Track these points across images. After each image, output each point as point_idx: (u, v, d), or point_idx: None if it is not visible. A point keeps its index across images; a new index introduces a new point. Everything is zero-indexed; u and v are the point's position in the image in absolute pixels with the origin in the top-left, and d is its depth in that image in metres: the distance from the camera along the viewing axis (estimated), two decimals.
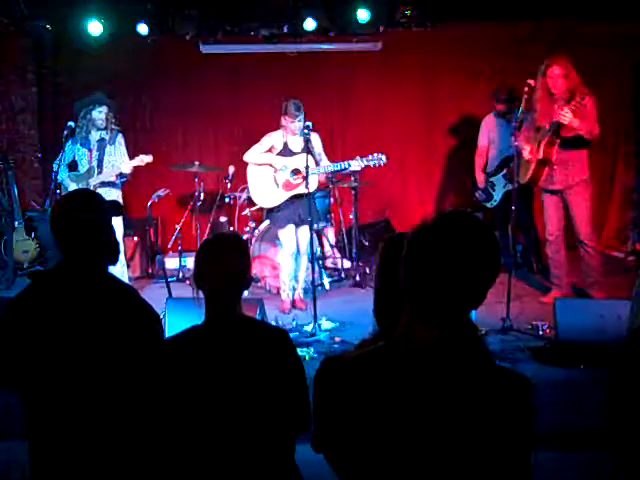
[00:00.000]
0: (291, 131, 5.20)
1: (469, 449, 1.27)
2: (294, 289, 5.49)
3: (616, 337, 3.62)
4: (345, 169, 5.21)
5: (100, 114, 5.33)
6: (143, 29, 6.57)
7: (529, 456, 1.33)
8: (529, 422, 1.32)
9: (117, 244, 2.19)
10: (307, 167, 4.81)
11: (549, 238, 5.16)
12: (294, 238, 5.32)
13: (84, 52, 6.73)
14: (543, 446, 2.91)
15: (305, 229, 5.24)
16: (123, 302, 2.06)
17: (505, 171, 5.88)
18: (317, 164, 5.18)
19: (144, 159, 5.34)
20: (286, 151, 5.26)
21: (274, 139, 5.28)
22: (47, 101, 7.38)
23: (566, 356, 3.92)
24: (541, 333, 4.46)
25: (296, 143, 5.27)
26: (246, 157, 5.34)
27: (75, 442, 1.99)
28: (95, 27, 6.43)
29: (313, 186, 5.05)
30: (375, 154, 5.12)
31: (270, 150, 5.29)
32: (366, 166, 5.16)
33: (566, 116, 4.64)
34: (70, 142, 5.39)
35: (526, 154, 5.00)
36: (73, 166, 5.46)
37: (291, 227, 5.29)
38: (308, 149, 4.85)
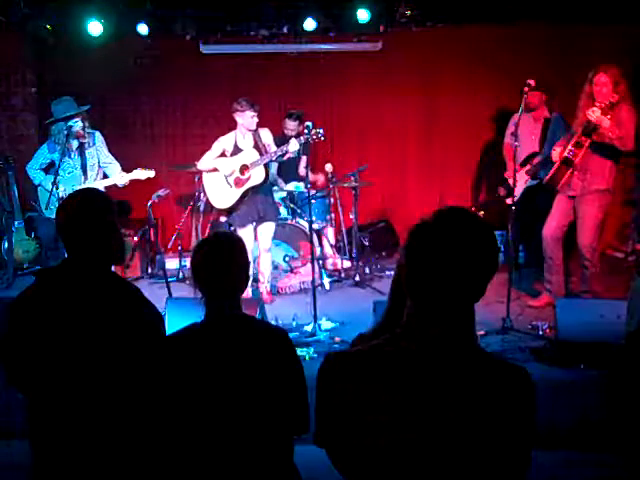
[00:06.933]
0: (246, 127, 5.27)
1: (472, 443, 1.27)
2: (258, 281, 5.54)
3: (616, 337, 3.62)
4: (286, 152, 5.19)
5: (76, 125, 5.31)
6: (143, 29, 6.58)
7: (529, 450, 1.33)
8: (530, 415, 1.33)
9: (123, 244, 2.20)
10: (307, 167, 4.87)
11: (546, 239, 5.01)
12: (252, 236, 5.42)
13: (84, 52, 6.73)
14: (543, 446, 2.93)
15: (267, 225, 5.42)
16: (126, 301, 2.07)
17: (528, 167, 5.84)
18: (263, 155, 5.28)
19: (145, 174, 5.29)
20: (237, 151, 5.34)
21: (224, 143, 5.37)
22: (47, 101, 7.37)
23: (566, 356, 3.92)
24: (541, 333, 4.46)
25: (245, 142, 5.35)
26: (199, 165, 5.47)
27: (78, 440, 1.99)
28: (95, 27, 6.44)
29: (260, 177, 5.27)
30: (313, 129, 5.02)
31: (223, 154, 5.38)
32: (305, 142, 5.15)
33: (593, 114, 4.47)
34: (46, 147, 5.45)
35: (555, 155, 4.87)
36: (50, 171, 5.44)
37: (250, 227, 5.42)
38: (305, 151, 4.88)
